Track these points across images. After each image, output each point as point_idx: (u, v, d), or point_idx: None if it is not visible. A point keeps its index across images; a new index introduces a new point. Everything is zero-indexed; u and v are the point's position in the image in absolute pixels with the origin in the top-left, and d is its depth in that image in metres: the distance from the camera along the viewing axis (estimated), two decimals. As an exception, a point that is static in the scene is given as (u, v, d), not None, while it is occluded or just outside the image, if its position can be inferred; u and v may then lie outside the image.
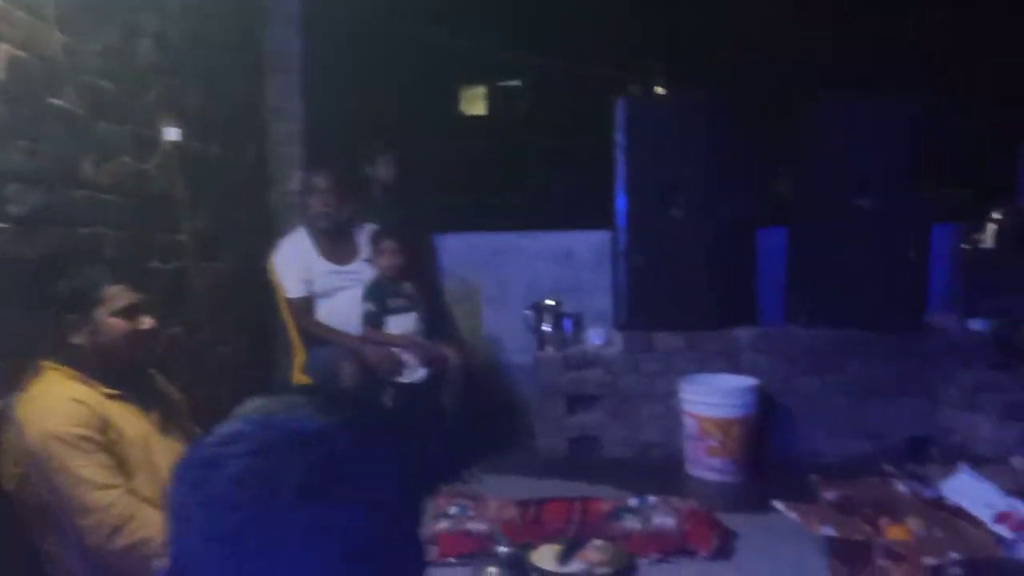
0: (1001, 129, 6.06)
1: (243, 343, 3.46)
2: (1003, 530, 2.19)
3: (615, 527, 2.82)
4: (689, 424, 3.51)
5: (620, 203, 3.77)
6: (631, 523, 2.85)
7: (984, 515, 2.27)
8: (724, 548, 2.65)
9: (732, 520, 2.89)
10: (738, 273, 4.17)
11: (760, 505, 2.73)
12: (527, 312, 4.01)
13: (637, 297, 3.78)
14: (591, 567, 2.46)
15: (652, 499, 3.00)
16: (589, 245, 4.23)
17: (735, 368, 3.73)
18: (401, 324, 3.26)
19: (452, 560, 2.55)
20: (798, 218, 3.80)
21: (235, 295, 3.37)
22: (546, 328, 3.90)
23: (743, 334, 3.77)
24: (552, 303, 3.94)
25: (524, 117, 8.27)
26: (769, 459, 3.64)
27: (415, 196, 4.47)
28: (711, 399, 3.46)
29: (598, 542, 2.61)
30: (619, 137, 3.69)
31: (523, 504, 3.03)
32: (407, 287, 3.32)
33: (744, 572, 2.51)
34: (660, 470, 3.55)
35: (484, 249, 4.36)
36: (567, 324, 3.92)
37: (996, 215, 6.04)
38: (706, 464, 3.45)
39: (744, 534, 2.79)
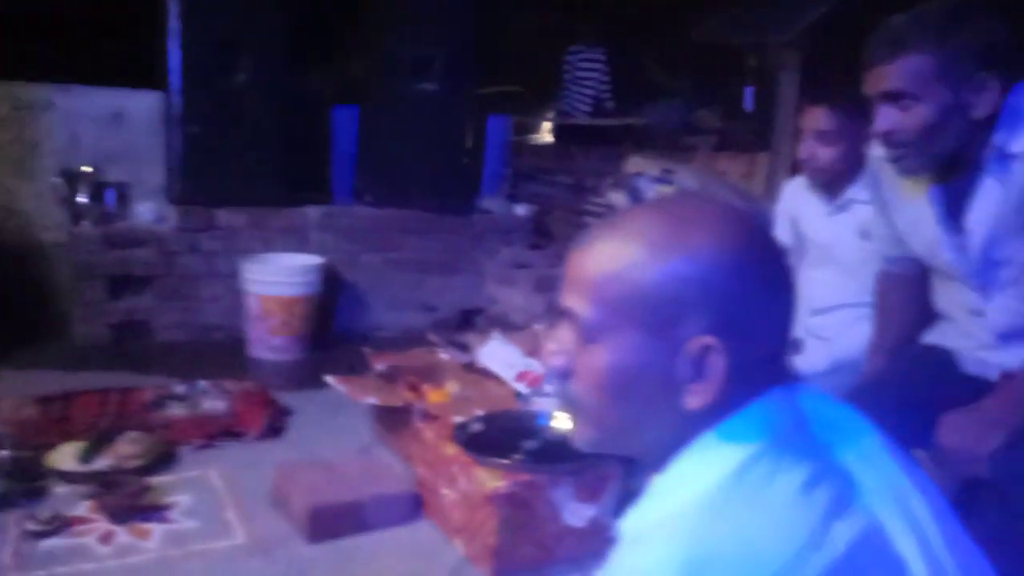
0: (552, 31, 6.69)
1: None
2: (521, 386, 2.49)
3: (157, 416, 2.60)
4: (252, 304, 3.36)
5: (174, 60, 3.33)
6: (176, 410, 2.66)
7: (507, 374, 2.56)
8: (275, 426, 2.62)
9: (289, 398, 2.87)
10: (310, 149, 4.04)
11: (318, 381, 2.73)
12: (56, 180, 3.40)
13: (194, 169, 3.43)
14: (120, 461, 2.23)
15: (202, 384, 2.83)
16: (145, 107, 3.70)
17: (303, 247, 3.65)
18: None
19: (-66, 474, 2.10)
20: (367, 97, 3.76)
21: None
22: (82, 200, 3.35)
23: (312, 212, 3.69)
24: (89, 170, 3.39)
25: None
26: (334, 335, 3.69)
27: None
28: (274, 278, 3.34)
29: (132, 434, 2.38)
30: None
31: (45, 401, 2.62)
32: None
33: (292, 446, 2.51)
34: (221, 354, 3.38)
35: (2, 104, 3.56)
36: (109, 196, 3.41)
37: (547, 114, 6.76)
38: (269, 344, 3.37)
39: (299, 410, 2.79)
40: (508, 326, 3.53)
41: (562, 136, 6.23)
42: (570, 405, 0.82)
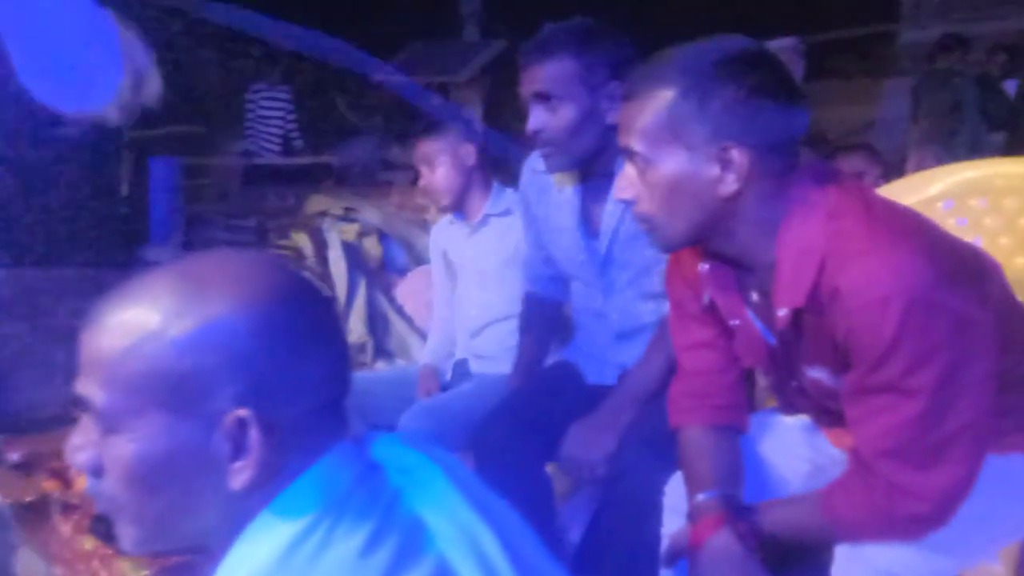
0: (235, 71, 6.45)
1: None
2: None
3: None
4: None
5: None
6: None
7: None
8: None
9: None
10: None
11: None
12: None
13: None
14: None
15: None
16: None
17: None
18: None
19: None
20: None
21: None
22: None
23: (-74, 282, 3.13)
24: None
25: None
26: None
27: None
28: None
29: None
30: None
31: None
32: None
33: None
34: None
35: None
36: None
37: (232, 154, 6.45)
38: None
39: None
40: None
41: (252, 177, 5.98)
42: (107, 504, 0.73)
